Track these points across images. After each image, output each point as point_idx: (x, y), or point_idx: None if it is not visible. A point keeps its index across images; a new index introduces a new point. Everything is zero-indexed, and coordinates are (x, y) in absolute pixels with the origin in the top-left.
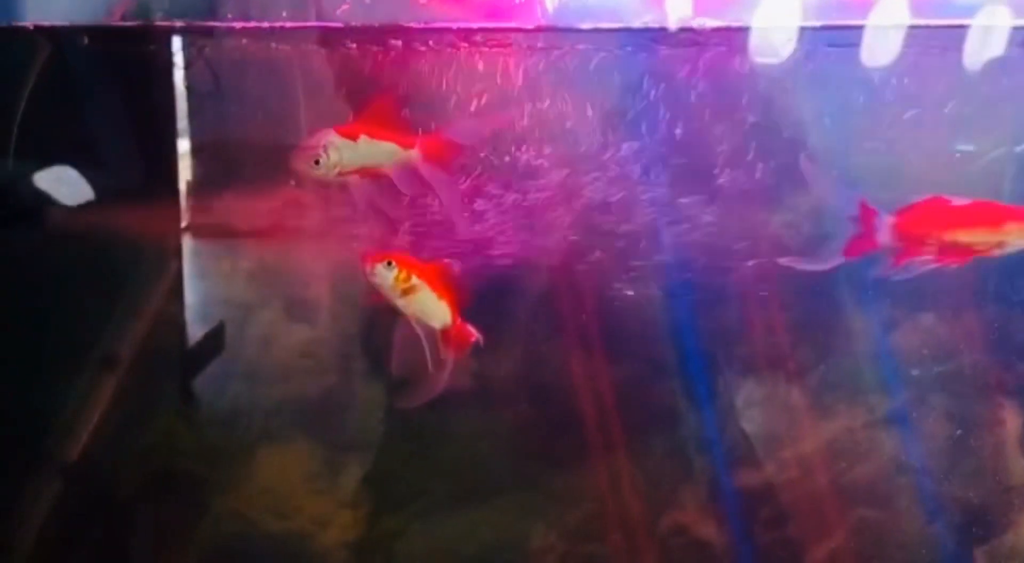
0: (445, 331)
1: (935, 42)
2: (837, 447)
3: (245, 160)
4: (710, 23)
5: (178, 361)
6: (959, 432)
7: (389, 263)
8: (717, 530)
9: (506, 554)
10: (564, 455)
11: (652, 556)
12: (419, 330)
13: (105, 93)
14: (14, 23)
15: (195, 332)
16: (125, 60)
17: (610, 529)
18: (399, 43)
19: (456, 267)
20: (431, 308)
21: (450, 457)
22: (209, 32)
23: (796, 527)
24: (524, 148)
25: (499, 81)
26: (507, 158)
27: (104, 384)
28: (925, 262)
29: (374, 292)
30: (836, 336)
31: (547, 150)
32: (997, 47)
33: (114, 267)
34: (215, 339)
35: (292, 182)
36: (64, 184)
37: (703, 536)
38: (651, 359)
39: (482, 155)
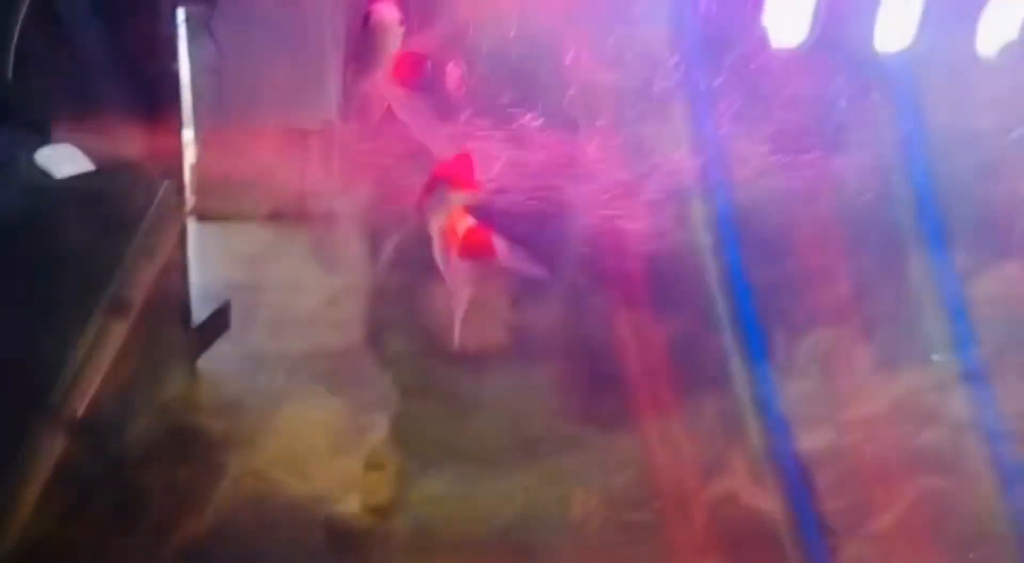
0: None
1: None
2: (903, 409)
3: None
4: None
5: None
6: None
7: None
8: (771, 497)
9: (544, 521)
10: (608, 416)
11: (700, 525)
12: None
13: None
14: None
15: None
16: None
17: (656, 495)
18: None
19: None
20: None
21: (486, 417)
22: None
23: (857, 495)
24: None
25: None
26: None
27: (113, 330)
28: None
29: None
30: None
31: None
32: None
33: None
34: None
35: None
36: (64, 160)
37: (756, 504)
38: (703, 312)
39: None
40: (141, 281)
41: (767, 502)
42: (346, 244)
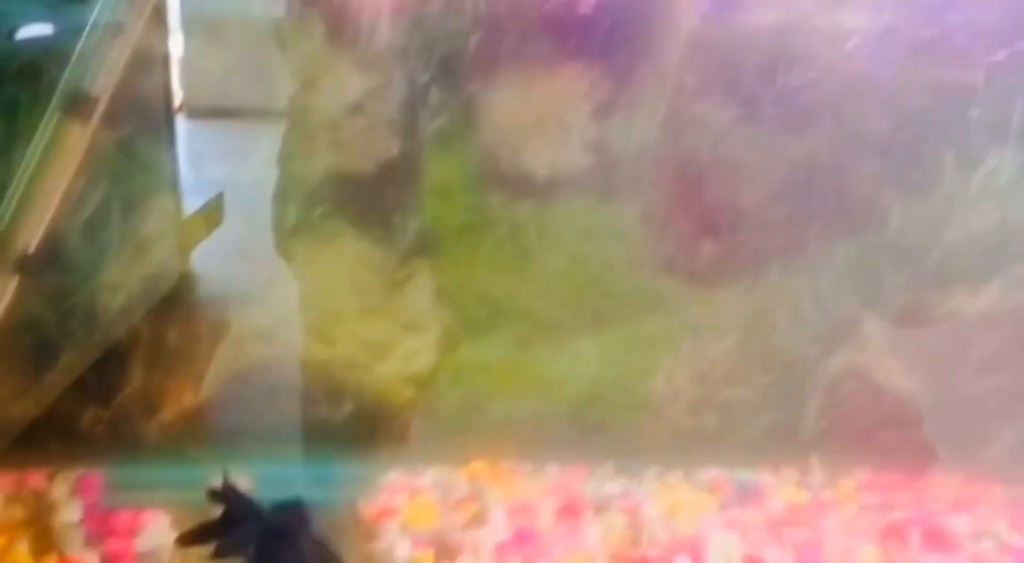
0: None
1: None
2: None
3: None
4: None
5: None
6: None
7: None
8: (910, 375)
9: (620, 397)
10: (708, 266)
11: (814, 406)
12: None
13: None
14: None
15: None
16: None
17: (762, 369)
18: None
19: None
20: None
21: (551, 266)
22: None
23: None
24: None
25: None
26: None
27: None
28: None
29: None
30: None
31: None
32: None
33: None
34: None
35: None
36: None
37: (889, 382)
38: (843, 129)
39: None
40: (106, 68)
41: (904, 380)
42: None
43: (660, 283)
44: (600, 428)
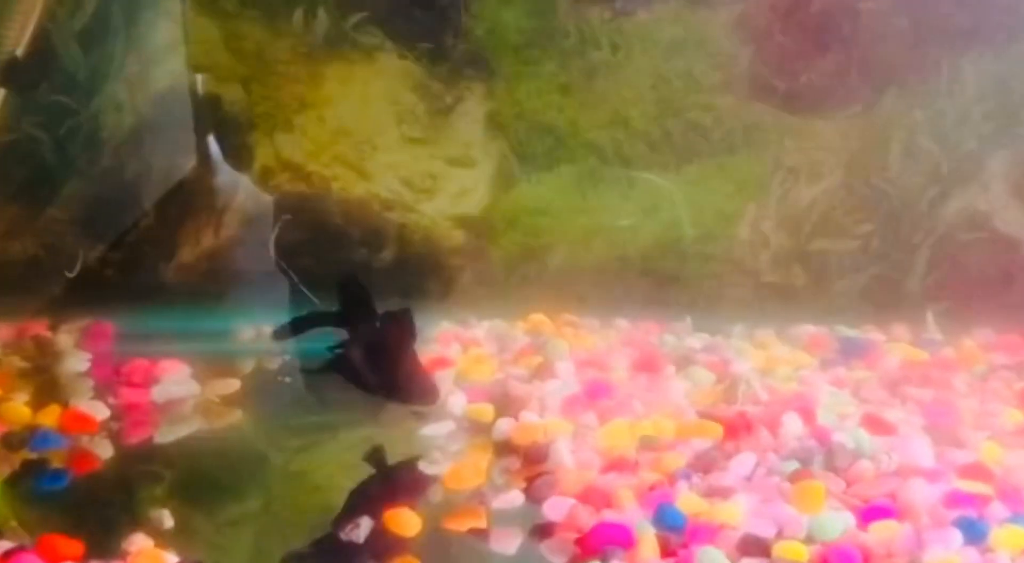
0: None
1: None
2: None
3: None
4: None
5: None
6: None
7: None
8: None
9: (698, 245)
10: (808, 91)
11: (924, 258)
12: None
13: None
14: None
15: None
16: None
17: (862, 216)
18: None
19: None
20: None
21: (625, 90)
22: None
23: None
24: None
25: None
26: None
27: None
28: None
29: None
30: None
31: None
32: None
33: None
34: None
35: None
36: None
37: (1009, 232)
38: None
39: None
40: None
41: None
42: None
43: (753, 110)
44: (675, 279)
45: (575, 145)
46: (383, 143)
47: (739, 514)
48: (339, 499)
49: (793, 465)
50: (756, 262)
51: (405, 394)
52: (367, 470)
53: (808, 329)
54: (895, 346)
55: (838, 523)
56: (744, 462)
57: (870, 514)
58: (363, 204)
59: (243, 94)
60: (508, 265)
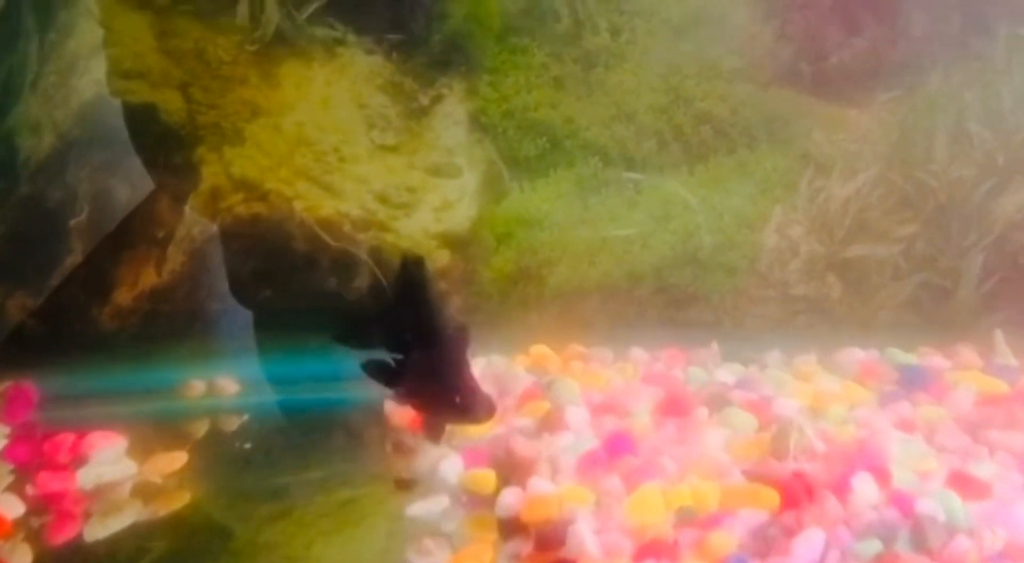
0: None
1: None
2: None
3: None
4: None
5: None
6: None
7: None
8: None
9: (718, 256)
10: (842, 74)
11: (979, 262)
12: None
13: None
14: None
15: None
16: None
17: (905, 215)
18: None
19: None
20: None
21: (630, 80)
22: None
23: None
24: None
25: None
26: None
27: None
28: None
29: None
30: None
31: None
32: None
33: None
34: None
35: None
36: None
37: None
38: None
39: None
40: None
41: None
42: None
43: (776, 97)
44: (694, 297)
45: (573, 146)
46: (351, 153)
47: None
48: None
49: (874, 545)
50: (785, 273)
51: (462, 411)
52: (350, 539)
53: (856, 355)
54: (964, 375)
55: None
56: (811, 542)
57: None
58: (331, 225)
59: (182, 102)
60: (502, 289)
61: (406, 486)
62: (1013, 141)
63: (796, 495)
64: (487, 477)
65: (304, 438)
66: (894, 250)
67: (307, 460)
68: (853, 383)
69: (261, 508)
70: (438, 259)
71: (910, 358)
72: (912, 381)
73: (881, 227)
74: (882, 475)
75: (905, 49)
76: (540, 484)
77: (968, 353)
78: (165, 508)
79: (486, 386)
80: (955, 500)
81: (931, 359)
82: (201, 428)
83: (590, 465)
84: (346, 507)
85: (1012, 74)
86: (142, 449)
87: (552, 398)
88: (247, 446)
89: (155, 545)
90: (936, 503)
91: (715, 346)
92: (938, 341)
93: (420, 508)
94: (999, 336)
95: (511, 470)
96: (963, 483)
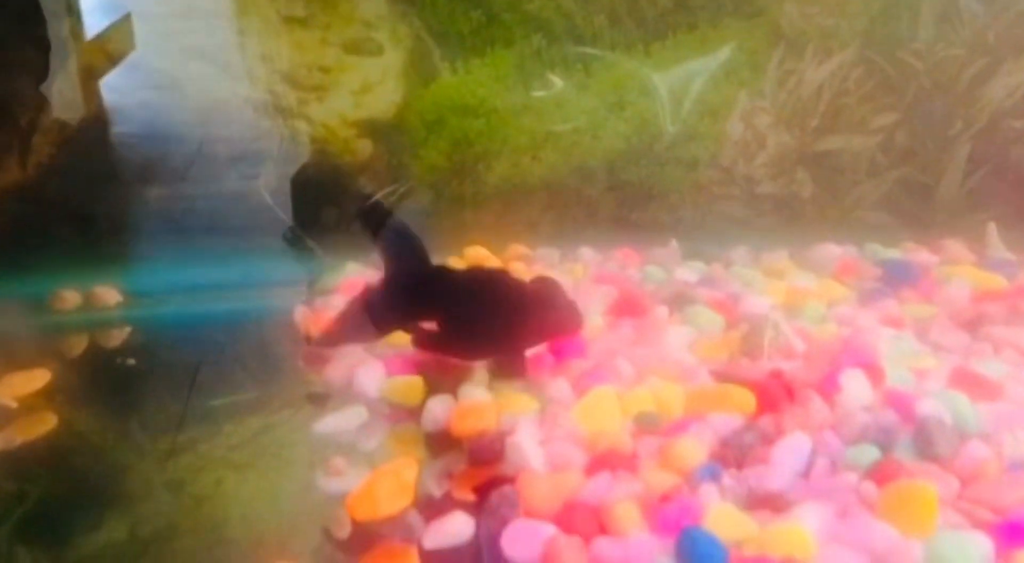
0: None
1: None
2: None
3: None
4: None
5: None
6: None
7: None
8: None
9: (677, 149)
10: None
11: (964, 153)
12: None
13: None
14: None
15: None
16: None
17: (884, 99)
18: None
19: None
20: None
21: None
22: None
23: None
24: None
25: None
26: None
27: None
28: None
29: None
30: None
31: None
32: None
33: None
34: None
35: None
36: None
37: None
38: None
39: None
40: None
41: None
42: None
43: None
44: (651, 194)
45: (512, 20)
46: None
47: (808, 540)
48: (238, 513)
49: (871, 453)
50: (751, 168)
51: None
52: (266, 472)
53: (832, 251)
54: (956, 270)
55: (969, 553)
56: (794, 449)
57: (1013, 534)
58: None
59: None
60: (435, 185)
61: (319, 401)
62: (1006, 16)
63: (774, 396)
64: (413, 385)
65: (204, 356)
66: (871, 142)
67: (210, 382)
68: (830, 280)
69: (159, 441)
70: (359, 151)
71: (893, 253)
72: (897, 277)
73: (858, 116)
74: (874, 372)
75: None
76: (472, 391)
77: (957, 248)
78: (21, 435)
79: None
80: (963, 401)
81: (916, 254)
82: (78, 345)
83: (535, 369)
84: (260, 436)
85: None
86: None
87: None
88: (130, 363)
89: (30, 488)
90: (941, 404)
91: (674, 244)
92: (919, 243)
93: (331, 423)
94: (992, 229)
95: (441, 377)
96: (969, 382)
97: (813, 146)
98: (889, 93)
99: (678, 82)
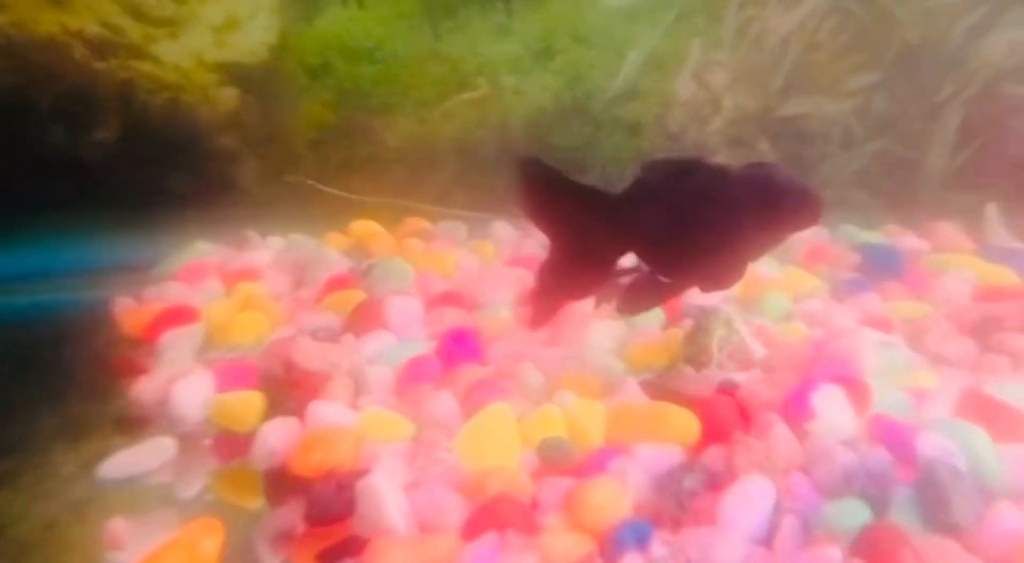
0: None
1: None
2: None
3: None
4: None
5: None
6: None
7: None
8: None
9: (614, 108)
10: None
11: (952, 125)
12: None
13: None
14: None
15: None
16: None
17: (859, 59)
18: None
19: None
20: None
21: None
22: None
23: None
24: None
25: None
26: None
27: None
28: None
29: None
30: None
31: None
32: None
33: None
34: None
35: None
36: None
37: None
38: None
39: None
40: None
41: None
42: None
43: None
44: (582, 164)
45: None
46: None
47: None
48: None
49: (858, 513)
50: (703, 133)
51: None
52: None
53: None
54: (952, 260)
55: None
56: (752, 501)
57: None
58: (55, 49)
59: None
60: (315, 144)
61: (130, 427)
62: None
63: (724, 420)
64: (248, 404)
65: None
66: (845, 107)
67: None
68: (796, 267)
69: None
70: (221, 101)
71: (873, 237)
72: (878, 265)
73: (830, 75)
74: (856, 391)
75: None
76: (325, 411)
77: (951, 232)
78: None
79: (275, 279)
80: (981, 438)
81: (901, 239)
82: None
83: (413, 379)
84: (38, 485)
85: None
86: None
87: (368, 287)
88: None
89: None
90: (949, 441)
91: None
92: (903, 226)
93: (121, 464)
94: (992, 211)
95: (287, 391)
96: (985, 410)
97: (777, 110)
98: (867, 48)
99: (619, 27)
